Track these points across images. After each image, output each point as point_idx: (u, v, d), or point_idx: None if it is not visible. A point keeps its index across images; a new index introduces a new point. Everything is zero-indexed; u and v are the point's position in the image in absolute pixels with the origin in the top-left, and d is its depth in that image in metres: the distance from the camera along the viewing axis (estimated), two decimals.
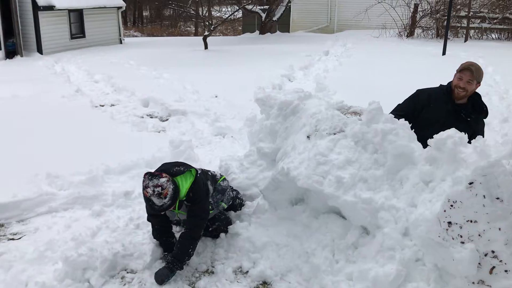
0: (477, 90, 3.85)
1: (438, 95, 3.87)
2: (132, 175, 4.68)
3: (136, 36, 28.17)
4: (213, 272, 3.26)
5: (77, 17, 16.44)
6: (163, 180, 3.12)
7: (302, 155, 3.46)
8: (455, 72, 3.82)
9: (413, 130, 3.39)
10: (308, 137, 3.60)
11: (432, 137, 2.99)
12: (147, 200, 3.17)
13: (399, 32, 16.53)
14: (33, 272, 3.17)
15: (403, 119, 3.58)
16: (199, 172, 3.45)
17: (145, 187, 3.14)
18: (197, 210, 3.34)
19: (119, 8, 18.41)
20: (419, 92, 3.99)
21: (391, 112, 3.92)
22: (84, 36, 16.72)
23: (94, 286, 3.08)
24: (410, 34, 16.60)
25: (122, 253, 3.37)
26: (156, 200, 3.12)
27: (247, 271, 3.24)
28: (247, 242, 3.45)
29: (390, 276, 2.70)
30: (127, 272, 3.26)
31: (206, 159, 5.25)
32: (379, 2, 16.71)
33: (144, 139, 6.00)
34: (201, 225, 3.36)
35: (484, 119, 3.88)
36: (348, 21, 19.95)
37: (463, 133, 2.94)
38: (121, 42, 18.52)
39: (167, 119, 7.05)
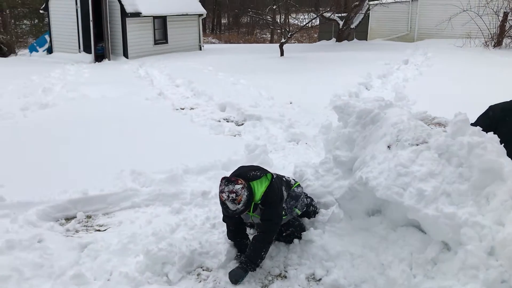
0: None
1: (509, 108, 3.65)
2: (209, 176, 4.83)
3: (214, 43, 28.99)
4: (285, 277, 3.29)
5: (161, 23, 17.24)
6: (238, 187, 3.21)
7: (382, 165, 3.39)
8: None
9: None
10: (388, 147, 3.53)
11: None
12: (222, 203, 3.28)
13: (485, 42, 15.67)
14: (117, 263, 3.37)
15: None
16: (274, 177, 3.50)
17: (221, 192, 3.25)
18: (271, 214, 3.39)
19: (200, 15, 19.06)
20: (492, 108, 3.78)
21: None
22: (166, 42, 17.48)
23: (172, 281, 3.22)
24: (498, 44, 15.67)
25: (199, 250, 3.49)
26: (230, 205, 3.21)
27: (320, 279, 3.23)
28: (321, 249, 3.43)
29: None
30: (203, 270, 3.37)
31: (279, 165, 5.30)
32: (464, 11, 15.94)
33: (220, 142, 6.18)
34: (274, 229, 3.41)
35: None
36: (429, 30, 19.25)
37: None
38: (200, 49, 19.15)
39: (242, 124, 7.20)
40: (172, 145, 5.85)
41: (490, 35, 15.77)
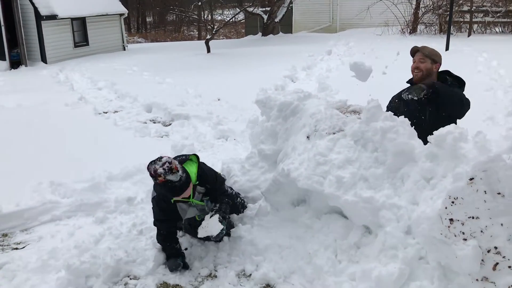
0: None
1: (405, 88, 3.88)
2: (134, 181, 4.68)
3: (140, 42, 28.28)
4: (216, 276, 3.25)
5: (80, 25, 16.55)
6: (165, 158, 3.13)
7: (302, 156, 3.44)
8: None
9: None
10: (307, 137, 3.58)
11: (417, 132, 3.01)
12: (164, 185, 3.10)
13: (402, 29, 16.45)
14: (36, 281, 3.17)
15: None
16: (199, 158, 3.49)
17: (154, 172, 3.07)
18: (217, 189, 3.44)
19: (121, 15, 18.51)
20: (392, 97, 4.03)
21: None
22: (87, 44, 16.82)
23: None
24: (413, 30, 16.52)
25: (125, 259, 3.37)
26: (172, 177, 3.07)
27: (250, 274, 3.22)
28: (250, 245, 3.43)
29: (393, 275, 2.67)
30: (130, 279, 3.26)
31: (209, 163, 5.15)
32: (380, 0, 16.64)
33: (147, 145, 6.01)
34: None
35: (460, 90, 3.76)
36: (350, 20, 19.91)
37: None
38: (124, 49, 18.61)
39: (170, 124, 7.06)
40: (94, 152, 5.61)
41: (405, 22, 16.56)
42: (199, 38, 29.83)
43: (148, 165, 3.15)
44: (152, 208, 3.49)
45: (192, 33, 35.72)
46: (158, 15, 39.16)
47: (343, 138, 3.35)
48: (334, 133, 3.40)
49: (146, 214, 4.08)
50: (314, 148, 3.35)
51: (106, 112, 7.83)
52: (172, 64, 12.87)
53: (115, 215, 4.10)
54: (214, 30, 16.73)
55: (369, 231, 3.12)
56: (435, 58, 3.80)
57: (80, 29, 16.59)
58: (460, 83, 3.83)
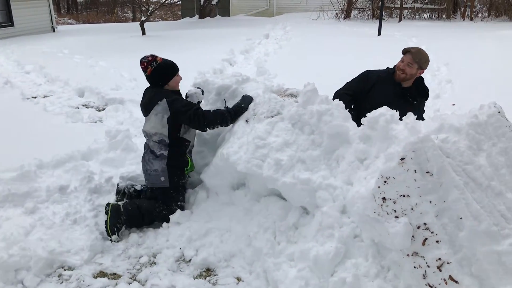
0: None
1: (386, 77, 4.01)
2: (67, 168, 4.48)
3: (71, 24, 26.97)
4: (155, 263, 3.20)
5: (3, 4, 15.46)
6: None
7: (241, 140, 3.44)
8: None
9: (361, 110, 3.48)
10: (246, 121, 3.58)
11: None
12: (166, 61, 3.71)
13: (337, 14, 16.80)
14: None
15: (351, 98, 3.84)
16: None
17: (151, 56, 3.69)
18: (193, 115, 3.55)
19: None
20: (368, 73, 4.11)
21: (339, 90, 4.02)
22: (12, 25, 15.77)
23: (29, 287, 2.94)
24: (347, 15, 16.90)
25: (59, 250, 3.23)
26: (162, 58, 3.68)
27: (190, 260, 3.21)
28: (189, 230, 3.41)
29: (329, 254, 2.75)
30: (65, 270, 3.14)
31: None
32: None
33: (79, 131, 5.77)
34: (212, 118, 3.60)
35: (425, 101, 4.11)
36: (287, 4, 20.06)
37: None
38: (54, 30, 17.65)
39: (103, 109, 6.81)
40: (22, 139, 5.31)
41: (340, 7, 16.90)
42: (133, 20, 28.89)
43: (141, 60, 3.66)
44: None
45: (126, 14, 34.53)
46: None
47: (281, 121, 3.38)
48: (272, 117, 3.42)
49: (80, 203, 3.92)
50: (253, 132, 3.35)
51: (35, 97, 7.41)
52: (106, 46, 12.39)
53: (47, 204, 3.90)
54: (149, 11, 16.25)
55: (307, 211, 3.18)
56: (422, 65, 3.94)
57: (4, 9, 15.50)
58: (426, 94, 4.07)
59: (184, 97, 3.92)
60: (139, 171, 4.33)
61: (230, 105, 3.82)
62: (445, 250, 2.48)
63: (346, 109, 3.34)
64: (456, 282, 2.43)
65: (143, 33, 14.76)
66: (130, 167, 4.47)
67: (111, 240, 3.45)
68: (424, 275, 2.50)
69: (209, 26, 16.68)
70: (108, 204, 3.59)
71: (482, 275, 2.42)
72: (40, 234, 3.45)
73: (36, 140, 5.29)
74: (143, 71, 3.72)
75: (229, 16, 21.25)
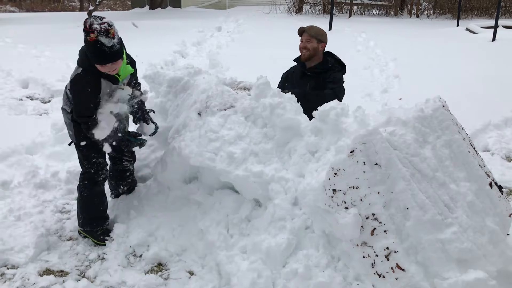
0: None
1: (295, 67, 4.14)
2: (10, 163, 4.28)
3: (13, 12, 25.68)
4: (104, 259, 3.12)
5: None
6: (107, 19, 2.85)
7: (194, 133, 3.40)
8: None
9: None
10: (199, 114, 3.54)
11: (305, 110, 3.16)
12: (94, 46, 2.81)
13: (288, 8, 16.90)
14: None
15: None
16: None
17: (90, 26, 2.79)
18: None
19: None
20: (284, 74, 4.22)
21: None
22: None
23: None
24: (299, 10, 17.04)
25: (1, 248, 3.11)
26: (105, 40, 2.80)
27: (141, 255, 3.15)
28: (139, 225, 3.34)
29: (281, 246, 2.78)
30: (8, 268, 3.02)
31: None
32: None
33: (23, 124, 5.51)
34: None
35: (340, 73, 4.01)
36: None
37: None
38: None
39: (49, 101, 6.54)
40: None
41: (292, 2, 17.02)
42: (81, 10, 27.88)
43: (86, 19, 2.86)
44: (77, 99, 3.05)
45: (73, 3, 33.25)
46: None
47: (234, 114, 3.37)
48: (225, 110, 3.40)
49: (24, 198, 3.77)
50: (206, 125, 3.32)
51: None
52: (52, 36, 11.87)
53: None
54: (97, 1, 15.74)
55: (259, 204, 3.20)
56: (321, 38, 3.98)
57: None
58: (341, 65, 4.04)
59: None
60: None
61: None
62: (392, 239, 2.57)
63: None
64: (403, 270, 2.52)
65: None
66: (77, 161, 4.32)
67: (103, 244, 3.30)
68: (372, 264, 2.57)
69: (160, 17, 16.34)
70: (79, 232, 3.40)
71: (427, 263, 2.52)
72: None
73: None
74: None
75: (180, 7, 20.89)
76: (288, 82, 4.07)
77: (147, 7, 20.34)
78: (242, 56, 9.21)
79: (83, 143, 3.21)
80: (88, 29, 2.82)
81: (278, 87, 4.06)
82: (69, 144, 3.44)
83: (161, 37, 11.50)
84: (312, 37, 3.95)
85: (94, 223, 3.33)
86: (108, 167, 3.50)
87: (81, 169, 3.37)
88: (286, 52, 9.36)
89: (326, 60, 4.02)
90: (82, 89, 3.01)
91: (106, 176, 3.45)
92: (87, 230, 3.32)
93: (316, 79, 3.95)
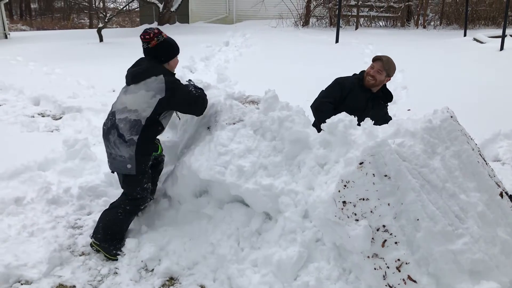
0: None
1: (356, 83, 4.15)
2: (23, 179, 4.33)
3: (24, 30, 26.13)
4: (116, 273, 3.15)
5: None
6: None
7: (203, 147, 3.43)
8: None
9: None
10: (208, 128, 3.58)
11: (358, 120, 3.22)
12: (171, 39, 3.51)
13: (295, 22, 17.03)
14: None
15: (332, 105, 3.99)
16: None
17: (157, 29, 3.46)
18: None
19: (1, 0, 16.92)
20: (342, 80, 4.24)
21: (318, 99, 4.14)
22: None
23: None
24: (306, 23, 17.16)
25: (15, 263, 3.13)
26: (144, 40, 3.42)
27: (153, 269, 3.17)
28: (151, 239, 3.36)
29: (292, 259, 2.79)
30: (22, 284, 3.03)
31: (105, 157, 5.01)
32: None
33: (35, 140, 5.59)
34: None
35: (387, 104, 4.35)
36: (246, 12, 20.14)
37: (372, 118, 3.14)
38: (6, 37, 17.06)
39: (60, 117, 6.63)
40: None
41: (298, 15, 17.16)
42: (90, 27, 28.31)
43: (146, 30, 3.43)
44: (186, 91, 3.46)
45: (82, 21, 33.79)
46: (44, 1, 36.43)
47: (243, 128, 3.40)
48: (234, 124, 3.44)
49: (37, 214, 3.81)
50: (215, 139, 3.36)
51: None
52: (62, 53, 12.07)
53: (1, 217, 3.75)
54: (107, 18, 15.97)
55: (269, 217, 3.21)
56: (390, 73, 4.10)
57: None
58: (391, 97, 4.29)
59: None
60: (98, 180, 4.25)
61: None
62: (403, 251, 2.57)
63: (330, 117, 3.26)
64: (415, 281, 2.51)
65: (101, 40, 14.48)
66: (89, 177, 4.38)
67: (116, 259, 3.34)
68: (384, 276, 2.57)
69: (169, 33, 16.48)
70: (91, 245, 3.43)
71: (439, 274, 2.51)
72: None
73: None
74: (145, 42, 3.40)
75: (188, 23, 21.14)
76: (345, 91, 4.10)
77: (156, 23, 20.59)
78: (250, 70, 9.29)
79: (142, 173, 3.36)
80: (157, 32, 3.43)
81: (327, 90, 4.18)
82: (113, 172, 3.54)
83: None
84: (384, 70, 4.05)
85: (114, 242, 3.36)
86: None
87: (126, 195, 3.43)
88: (294, 66, 9.47)
89: (388, 92, 4.26)
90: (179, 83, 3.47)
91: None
92: (103, 246, 3.35)
93: (376, 101, 4.15)
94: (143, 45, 3.46)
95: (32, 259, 3.21)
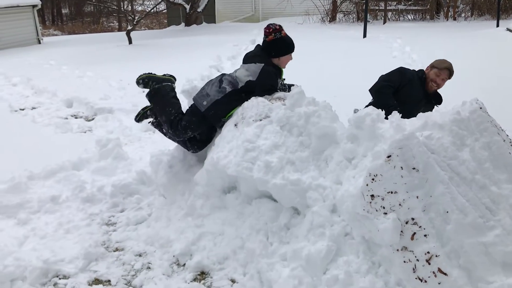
0: None
1: (416, 77, 4.30)
2: (58, 178, 4.50)
3: (56, 35, 26.87)
4: (149, 268, 3.23)
5: None
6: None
7: (231, 144, 3.48)
8: (433, 65, 4.29)
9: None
10: (235, 125, 3.63)
11: (408, 111, 3.25)
12: (288, 37, 3.98)
13: (322, 18, 16.95)
14: None
15: (392, 89, 4.15)
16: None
17: (279, 25, 3.90)
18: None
19: (34, 6, 17.45)
20: (405, 70, 4.39)
21: (380, 81, 4.27)
22: None
23: None
24: (332, 19, 17.07)
25: (53, 259, 3.26)
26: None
27: (184, 264, 3.24)
28: (182, 235, 3.44)
29: (321, 252, 2.80)
30: (59, 278, 3.15)
31: (136, 156, 5.16)
32: None
33: (69, 141, 5.78)
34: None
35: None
36: (272, 9, 20.15)
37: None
38: (39, 42, 17.60)
39: (93, 119, 6.83)
40: (12, 151, 5.31)
41: (325, 11, 17.06)
42: (119, 30, 28.86)
43: (268, 25, 3.87)
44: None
45: (112, 24, 34.49)
46: (75, 6, 37.31)
47: (269, 124, 3.43)
48: (260, 120, 3.47)
49: (72, 212, 3.95)
50: (242, 135, 3.40)
51: (23, 109, 7.40)
52: (93, 56, 12.38)
53: (39, 215, 3.92)
54: (135, 20, 16.26)
55: (298, 212, 3.23)
56: (450, 78, 4.27)
57: None
58: (441, 100, 4.44)
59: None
60: (130, 179, 4.37)
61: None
62: (433, 243, 2.54)
63: (389, 99, 3.74)
64: (445, 274, 2.48)
65: (130, 42, 14.76)
66: (122, 175, 4.50)
67: (137, 120, 4.21)
68: (414, 269, 2.55)
69: (196, 34, 16.72)
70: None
71: (470, 267, 2.48)
72: (34, 244, 3.48)
73: (25, 152, 5.30)
74: (265, 35, 3.88)
75: (215, 23, 21.31)
76: (405, 81, 4.22)
77: (183, 24, 20.85)
78: None
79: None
80: (278, 28, 3.87)
81: (388, 74, 4.30)
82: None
83: (197, 53, 11.77)
84: (449, 78, 4.22)
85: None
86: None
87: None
88: (321, 61, 9.42)
89: (439, 95, 4.43)
90: (271, 76, 3.87)
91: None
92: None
93: (429, 100, 4.33)
94: (263, 37, 3.91)
95: (68, 255, 3.34)
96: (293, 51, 4.01)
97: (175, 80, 4.20)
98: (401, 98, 4.14)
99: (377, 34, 12.49)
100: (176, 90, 4.14)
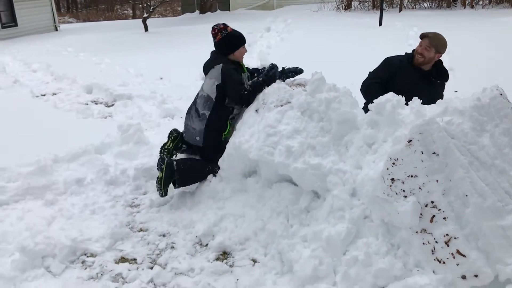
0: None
1: (406, 62, 4.17)
2: (82, 162, 4.62)
3: (71, 23, 27.09)
4: (173, 247, 3.34)
5: (6, 5, 15.61)
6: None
7: (252, 129, 3.56)
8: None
9: None
10: (256, 111, 3.70)
11: (409, 98, 3.24)
12: (235, 31, 3.99)
13: (337, 5, 16.85)
14: None
15: (380, 85, 4.02)
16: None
17: (223, 24, 3.99)
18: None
19: None
20: (390, 60, 4.26)
21: (367, 81, 4.19)
22: (16, 25, 15.93)
23: (55, 273, 3.08)
24: (348, 7, 16.95)
25: (80, 238, 3.38)
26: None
27: (207, 244, 3.34)
28: (204, 216, 3.54)
29: (341, 234, 2.88)
30: (87, 256, 3.28)
31: (157, 142, 5.24)
32: None
33: (90, 126, 5.91)
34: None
35: (445, 83, 4.26)
36: None
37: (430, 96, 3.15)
38: (56, 29, 17.78)
39: (112, 105, 6.95)
40: (36, 135, 5.45)
41: None
42: (133, 17, 28.97)
43: (213, 27, 3.95)
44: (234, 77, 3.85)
45: (126, 11, 34.62)
46: None
47: (290, 110, 3.50)
48: (281, 106, 3.54)
49: (97, 194, 4.07)
50: (264, 121, 3.48)
51: (44, 95, 7.56)
52: (109, 44, 12.51)
53: (65, 196, 4.05)
54: (151, 8, 16.34)
55: (318, 195, 3.31)
56: (439, 49, 4.05)
57: (7, 9, 15.65)
58: (446, 75, 4.21)
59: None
60: (152, 163, 4.47)
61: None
62: (452, 226, 2.61)
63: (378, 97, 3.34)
64: (464, 256, 2.55)
65: (146, 29, 14.86)
66: (144, 159, 4.61)
67: (162, 195, 3.75)
68: (432, 251, 2.62)
69: (210, 21, 16.68)
70: (162, 159, 3.79)
71: (488, 249, 2.54)
72: (61, 224, 3.61)
73: (49, 136, 5.44)
74: (213, 37, 3.98)
75: (229, 10, 21.30)
76: (393, 69, 4.13)
77: (197, 12, 20.88)
78: (293, 55, 9.32)
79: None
80: (222, 27, 3.93)
81: (374, 70, 4.23)
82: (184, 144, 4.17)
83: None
84: (432, 46, 4.01)
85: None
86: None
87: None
88: (337, 49, 9.42)
89: (443, 69, 4.19)
90: (232, 72, 3.92)
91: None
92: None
93: (428, 79, 4.12)
94: (212, 39, 3.99)
95: (95, 234, 3.46)
96: (245, 42, 4.05)
97: (174, 133, 4.22)
98: (395, 88, 3.78)
99: (393, 22, 12.41)
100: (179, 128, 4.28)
